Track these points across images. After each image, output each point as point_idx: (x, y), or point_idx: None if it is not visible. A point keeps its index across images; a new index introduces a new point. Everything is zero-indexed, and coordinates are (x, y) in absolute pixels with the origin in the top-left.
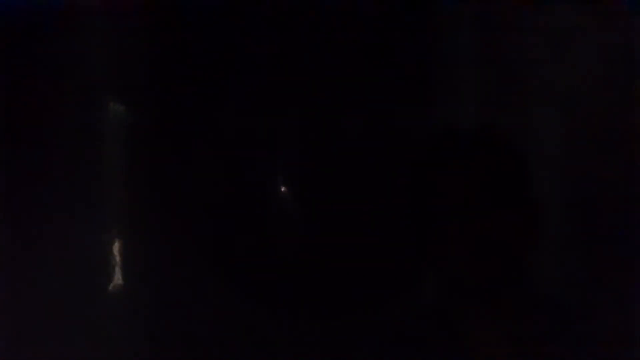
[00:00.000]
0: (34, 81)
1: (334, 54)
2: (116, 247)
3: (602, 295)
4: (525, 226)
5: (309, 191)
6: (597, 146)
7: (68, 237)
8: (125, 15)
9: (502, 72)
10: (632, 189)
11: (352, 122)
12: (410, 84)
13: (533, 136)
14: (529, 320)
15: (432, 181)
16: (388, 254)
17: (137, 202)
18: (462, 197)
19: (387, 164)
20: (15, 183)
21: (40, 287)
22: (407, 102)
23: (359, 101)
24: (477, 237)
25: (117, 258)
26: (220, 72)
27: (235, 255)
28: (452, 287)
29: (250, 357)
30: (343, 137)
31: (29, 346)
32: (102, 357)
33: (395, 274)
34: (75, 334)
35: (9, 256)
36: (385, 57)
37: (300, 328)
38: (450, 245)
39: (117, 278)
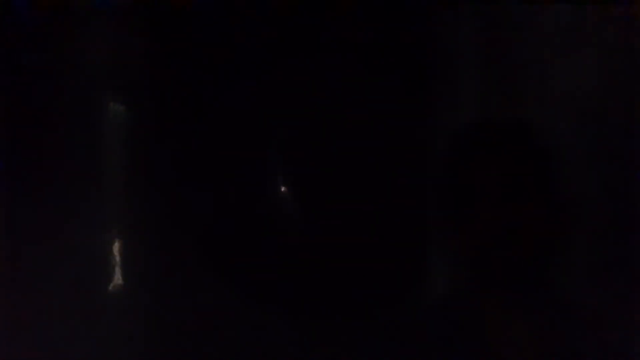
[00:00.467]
0: (34, 81)
1: (334, 53)
2: (116, 247)
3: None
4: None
5: (309, 191)
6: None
7: (68, 237)
8: (125, 15)
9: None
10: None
11: (354, 121)
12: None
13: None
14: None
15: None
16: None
17: (138, 202)
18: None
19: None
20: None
21: (40, 287)
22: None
23: (359, 100)
24: (507, 232)
25: (117, 258)
26: (221, 72)
27: (235, 256)
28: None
29: (251, 357)
30: (348, 135)
31: (28, 346)
32: (102, 357)
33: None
34: (75, 334)
35: (8, 256)
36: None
37: (302, 329)
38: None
39: (117, 278)
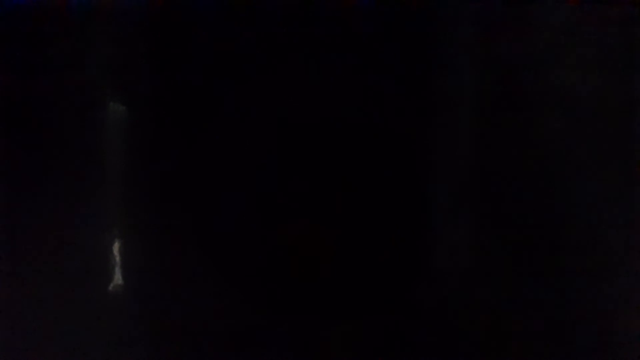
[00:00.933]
0: (33, 80)
1: (334, 54)
2: (116, 247)
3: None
4: None
5: (311, 191)
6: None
7: (68, 236)
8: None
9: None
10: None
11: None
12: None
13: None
14: None
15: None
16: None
17: (138, 202)
18: None
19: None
20: (15, 183)
21: (39, 288)
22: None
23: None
24: None
25: (117, 258)
26: (222, 72)
27: (236, 256)
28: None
29: (251, 357)
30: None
31: (28, 346)
32: (102, 357)
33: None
34: (74, 334)
35: (8, 256)
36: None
37: (303, 329)
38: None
39: (117, 278)
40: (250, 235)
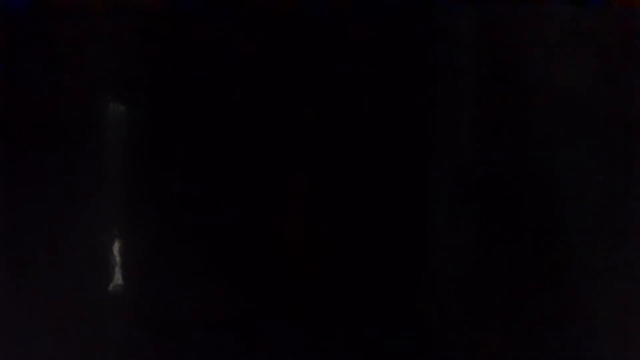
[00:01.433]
0: (33, 80)
1: (334, 55)
2: (116, 247)
3: None
4: None
5: (312, 191)
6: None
7: (68, 237)
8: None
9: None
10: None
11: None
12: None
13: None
14: None
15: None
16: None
17: (138, 202)
18: None
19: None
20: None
21: (39, 287)
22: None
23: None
24: None
25: (117, 258)
26: (223, 72)
27: (237, 256)
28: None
29: (251, 358)
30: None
31: (28, 346)
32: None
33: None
34: (75, 334)
35: (8, 256)
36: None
37: (304, 330)
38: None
39: (117, 278)
40: (250, 235)
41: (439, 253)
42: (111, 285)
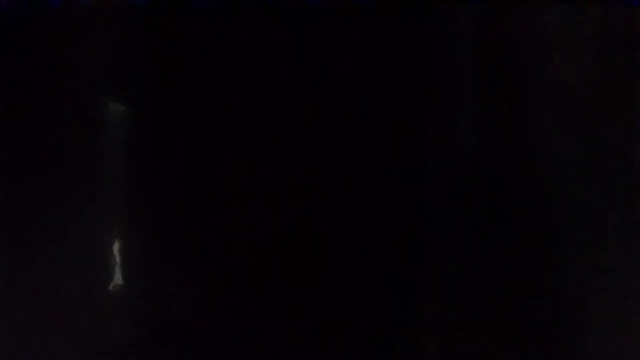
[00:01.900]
0: (33, 80)
1: (334, 55)
2: (116, 247)
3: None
4: None
5: (313, 192)
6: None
7: (68, 236)
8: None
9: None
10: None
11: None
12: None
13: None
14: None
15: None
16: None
17: (138, 202)
18: None
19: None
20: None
21: (39, 287)
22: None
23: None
24: None
25: (117, 258)
26: (223, 72)
27: (237, 256)
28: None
29: (252, 358)
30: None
31: (28, 346)
32: (101, 357)
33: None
34: (74, 334)
35: (8, 256)
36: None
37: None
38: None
39: (117, 278)
40: (250, 235)
41: (439, 253)
42: (111, 285)
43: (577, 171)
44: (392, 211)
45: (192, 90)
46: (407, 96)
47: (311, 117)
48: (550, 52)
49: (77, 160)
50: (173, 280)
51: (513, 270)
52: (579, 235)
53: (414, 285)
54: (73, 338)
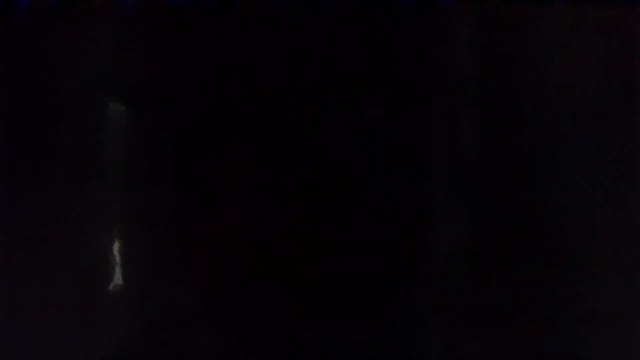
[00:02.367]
0: (33, 80)
1: (334, 55)
2: (116, 247)
3: None
4: None
5: (314, 193)
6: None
7: (68, 237)
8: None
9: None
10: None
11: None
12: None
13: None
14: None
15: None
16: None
17: (139, 202)
18: None
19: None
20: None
21: (39, 287)
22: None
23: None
24: None
25: (117, 258)
26: (223, 72)
27: (237, 256)
28: None
29: (252, 358)
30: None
31: (28, 346)
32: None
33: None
34: (75, 334)
35: (8, 256)
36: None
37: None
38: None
39: (117, 278)
40: (249, 236)
41: (440, 254)
42: (111, 285)
43: (577, 169)
44: (392, 211)
45: (192, 90)
46: (407, 96)
47: (311, 117)
48: (550, 52)
49: (77, 160)
50: (173, 280)
51: (514, 275)
52: (579, 235)
53: (414, 285)
54: (73, 338)
